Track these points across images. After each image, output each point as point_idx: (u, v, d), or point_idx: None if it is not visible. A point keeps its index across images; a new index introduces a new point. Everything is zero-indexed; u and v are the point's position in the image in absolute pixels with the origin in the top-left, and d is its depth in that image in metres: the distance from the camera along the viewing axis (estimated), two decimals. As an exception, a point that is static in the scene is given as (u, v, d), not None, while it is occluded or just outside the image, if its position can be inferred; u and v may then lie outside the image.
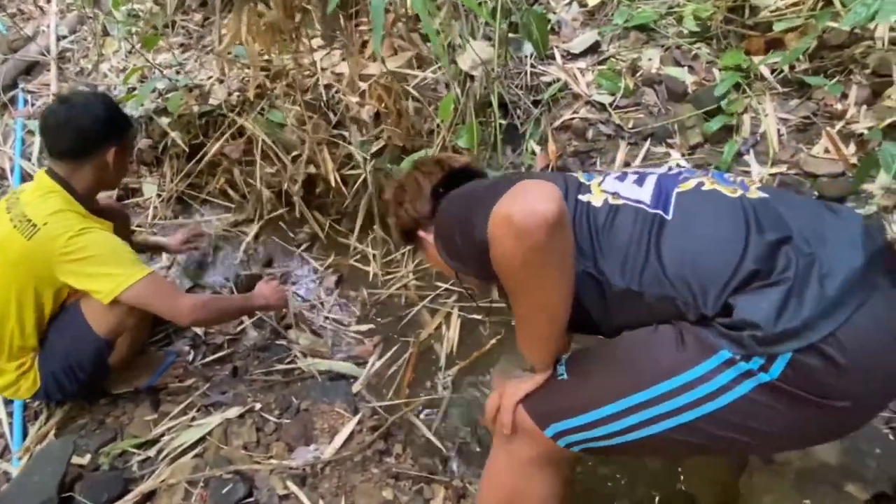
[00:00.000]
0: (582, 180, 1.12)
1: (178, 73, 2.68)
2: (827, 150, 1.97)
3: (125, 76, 2.74)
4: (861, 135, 1.94)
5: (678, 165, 2.06)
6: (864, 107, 2.01)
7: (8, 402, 1.93)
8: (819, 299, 0.83)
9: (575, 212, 1.03)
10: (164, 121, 2.61)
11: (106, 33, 3.47)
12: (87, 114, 1.64)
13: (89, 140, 1.65)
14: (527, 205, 0.83)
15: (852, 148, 1.94)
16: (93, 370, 1.77)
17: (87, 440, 1.75)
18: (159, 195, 2.67)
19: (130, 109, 2.80)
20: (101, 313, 1.68)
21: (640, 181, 1.07)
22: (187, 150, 2.58)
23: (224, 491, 1.52)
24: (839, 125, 1.99)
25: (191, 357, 2.06)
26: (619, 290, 0.97)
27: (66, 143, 1.65)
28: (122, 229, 1.93)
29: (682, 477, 1.73)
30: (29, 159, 2.76)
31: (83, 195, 1.69)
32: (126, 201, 2.69)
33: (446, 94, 1.99)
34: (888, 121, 1.91)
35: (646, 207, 1.01)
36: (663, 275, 0.93)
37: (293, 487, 1.54)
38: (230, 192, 2.66)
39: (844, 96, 2.05)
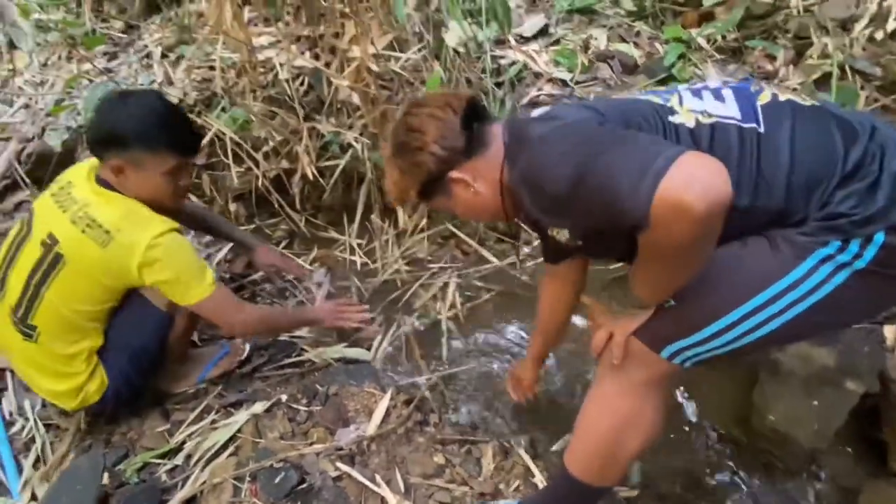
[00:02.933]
0: (660, 102, 1.08)
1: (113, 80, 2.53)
2: (768, 105, 2.22)
3: (66, 82, 2.55)
4: (795, 89, 2.21)
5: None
6: (792, 66, 2.29)
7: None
8: (893, 181, 0.94)
9: (670, 136, 1.02)
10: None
11: (13, 47, 3.20)
12: (136, 107, 1.46)
13: (117, 136, 1.46)
14: (706, 192, 0.77)
15: (788, 101, 2.21)
16: (155, 350, 1.69)
17: (99, 460, 1.62)
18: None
19: (65, 121, 2.62)
20: None
21: (719, 97, 1.07)
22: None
23: (276, 481, 1.46)
24: (774, 83, 2.26)
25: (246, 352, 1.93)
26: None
27: (96, 134, 1.49)
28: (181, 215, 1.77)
29: (696, 407, 1.88)
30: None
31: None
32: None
33: (429, 76, 2.04)
34: (814, 76, 2.19)
35: (740, 123, 1.01)
36: (770, 185, 0.96)
37: (344, 467, 1.52)
38: (191, 197, 2.55)
39: (774, 58, 2.33)
